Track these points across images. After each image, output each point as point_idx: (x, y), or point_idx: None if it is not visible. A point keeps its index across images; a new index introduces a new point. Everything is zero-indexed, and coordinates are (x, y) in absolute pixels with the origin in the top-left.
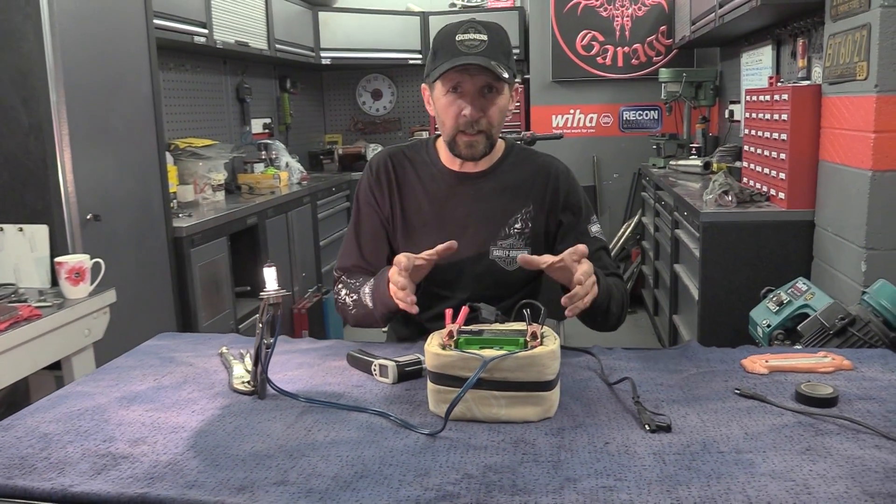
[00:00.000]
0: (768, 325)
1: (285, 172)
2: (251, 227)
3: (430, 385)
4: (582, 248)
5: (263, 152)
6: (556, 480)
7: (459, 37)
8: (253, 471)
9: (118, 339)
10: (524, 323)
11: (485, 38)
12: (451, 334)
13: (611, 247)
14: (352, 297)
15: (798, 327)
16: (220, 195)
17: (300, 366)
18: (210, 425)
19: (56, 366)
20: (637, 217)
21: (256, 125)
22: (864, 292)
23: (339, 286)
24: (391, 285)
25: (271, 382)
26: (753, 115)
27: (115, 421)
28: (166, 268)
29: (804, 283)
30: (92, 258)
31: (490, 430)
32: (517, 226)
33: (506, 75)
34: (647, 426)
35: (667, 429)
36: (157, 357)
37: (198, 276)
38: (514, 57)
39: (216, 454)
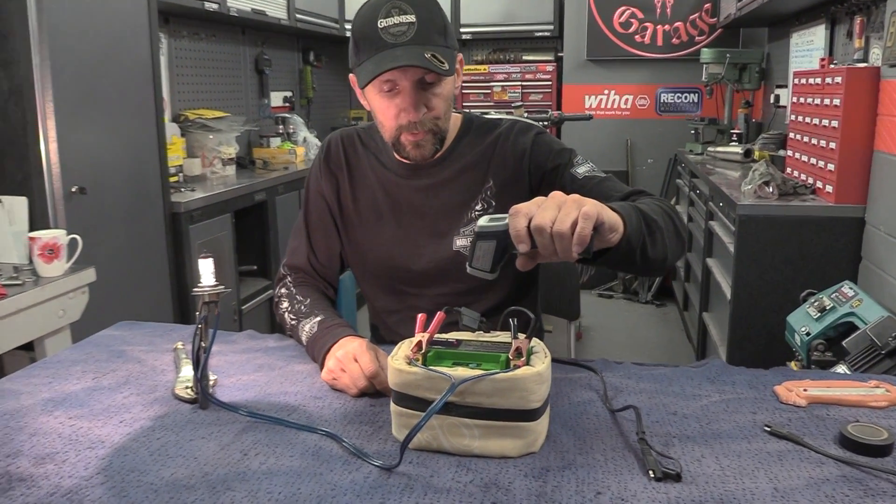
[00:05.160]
0: (808, 334)
1: (302, 148)
2: (259, 203)
3: (392, 406)
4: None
5: (281, 126)
6: None
7: (382, 23)
8: None
9: (106, 321)
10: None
11: (412, 18)
12: (419, 346)
13: None
14: (291, 319)
15: (844, 342)
16: (231, 169)
17: (260, 368)
18: (134, 441)
19: (31, 346)
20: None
21: (276, 98)
22: None
23: (283, 291)
24: (329, 363)
25: (207, 394)
26: (801, 100)
27: (30, 430)
28: (162, 245)
29: (851, 288)
30: (71, 233)
31: (458, 467)
32: (478, 208)
33: (446, 66)
34: (651, 472)
35: (676, 477)
36: (107, 350)
37: (196, 255)
38: (450, 34)
39: (128, 481)
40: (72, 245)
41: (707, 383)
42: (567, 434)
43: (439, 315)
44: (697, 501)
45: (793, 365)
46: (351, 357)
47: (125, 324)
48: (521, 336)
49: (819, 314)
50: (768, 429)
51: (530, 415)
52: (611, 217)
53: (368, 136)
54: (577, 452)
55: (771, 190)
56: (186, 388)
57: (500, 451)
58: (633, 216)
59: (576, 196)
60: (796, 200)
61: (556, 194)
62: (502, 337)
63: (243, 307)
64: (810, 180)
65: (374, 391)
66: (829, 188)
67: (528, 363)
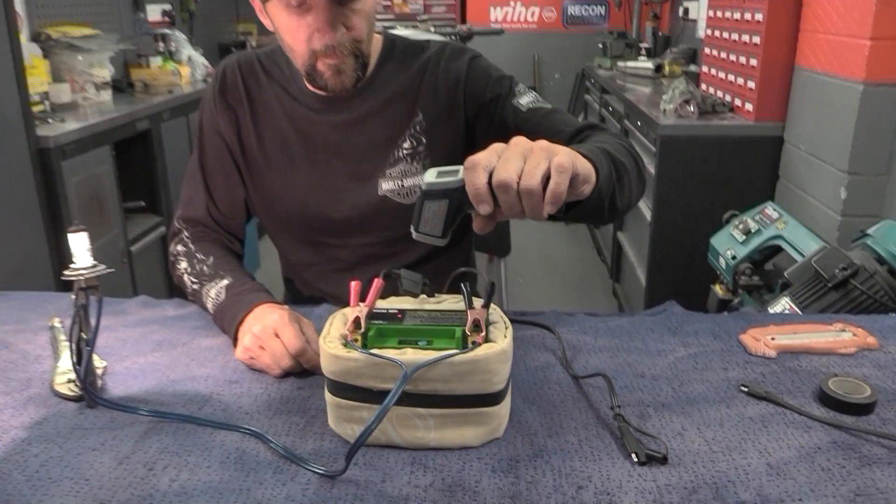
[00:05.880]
0: (733, 257)
1: (186, 67)
2: (142, 132)
3: (327, 395)
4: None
5: (160, 44)
6: None
7: None
8: None
9: None
10: (462, 298)
11: None
12: (356, 323)
13: None
14: (192, 282)
15: (786, 273)
16: (106, 94)
17: (158, 346)
18: (5, 461)
19: None
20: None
21: (153, 12)
22: (864, 234)
23: (179, 249)
24: (245, 340)
25: (95, 395)
26: (718, 14)
27: None
28: (31, 188)
29: (774, 209)
30: None
31: (413, 465)
32: (406, 146)
33: None
34: (634, 455)
35: (662, 460)
36: None
37: (73, 195)
38: None
39: None
40: None
41: (669, 335)
42: (531, 411)
43: (376, 282)
44: (690, 488)
45: (717, 288)
46: (270, 332)
47: None
48: (477, 303)
49: (744, 237)
50: (745, 389)
51: (493, 398)
52: (584, 167)
53: (271, 62)
54: (547, 435)
55: (692, 108)
56: (69, 381)
57: (460, 441)
58: (603, 163)
59: (544, 143)
60: (715, 119)
61: (519, 140)
62: (450, 302)
63: (132, 247)
64: (727, 97)
65: (301, 369)
66: (748, 106)
67: (487, 339)
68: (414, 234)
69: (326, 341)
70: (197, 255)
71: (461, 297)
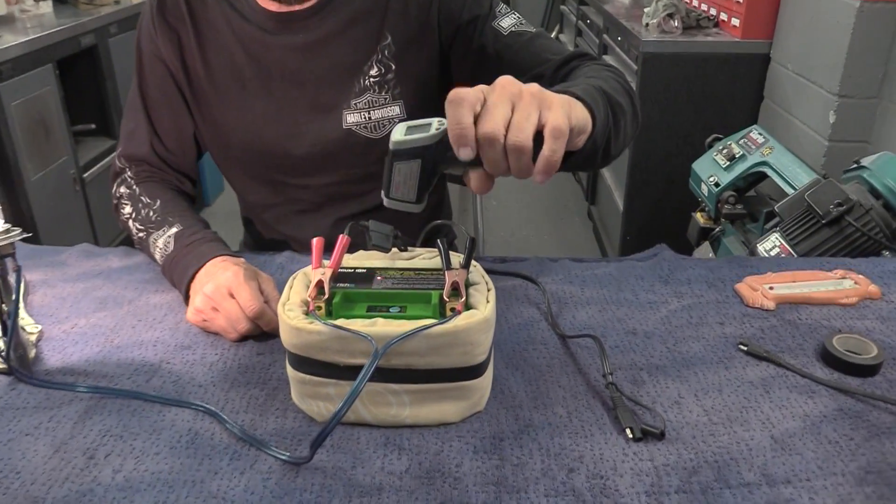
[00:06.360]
0: (716, 184)
1: None
2: (88, 48)
3: (289, 370)
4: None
5: None
6: None
7: None
8: None
9: None
10: (438, 254)
11: None
12: (319, 288)
13: None
14: (138, 229)
15: (777, 207)
16: (47, 6)
17: (102, 304)
18: None
19: None
20: (554, 35)
21: None
22: (859, 165)
23: (123, 191)
24: (197, 301)
25: (22, 374)
26: None
27: None
28: None
29: (760, 134)
30: None
31: (387, 448)
32: (373, 73)
33: None
34: (629, 430)
35: (659, 435)
36: None
37: (15, 119)
38: None
39: None
40: None
41: (660, 284)
42: (515, 378)
43: (341, 240)
44: (690, 468)
45: (698, 216)
46: (224, 292)
47: None
48: (456, 262)
49: (728, 163)
50: (744, 348)
51: (475, 371)
52: (579, 117)
53: None
54: (533, 407)
55: (676, 23)
56: None
57: (439, 417)
58: (600, 107)
59: (534, 88)
60: (700, 35)
61: (507, 82)
62: (425, 257)
63: (85, 175)
64: (713, 11)
65: (260, 331)
66: (735, 21)
67: (467, 306)
68: (385, 201)
69: (286, 309)
70: (142, 198)
71: (437, 251)
